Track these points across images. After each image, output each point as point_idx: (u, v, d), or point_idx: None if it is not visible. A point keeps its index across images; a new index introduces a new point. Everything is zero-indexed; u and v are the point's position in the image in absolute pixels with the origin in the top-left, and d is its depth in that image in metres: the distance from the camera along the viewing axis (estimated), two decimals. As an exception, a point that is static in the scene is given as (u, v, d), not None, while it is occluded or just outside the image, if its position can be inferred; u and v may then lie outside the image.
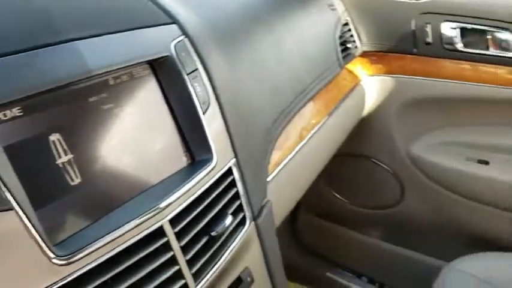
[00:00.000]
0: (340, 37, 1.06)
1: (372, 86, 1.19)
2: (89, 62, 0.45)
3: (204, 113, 0.57)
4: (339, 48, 1.04)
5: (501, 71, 1.07)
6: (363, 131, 1.25)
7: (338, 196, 1.41)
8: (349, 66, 1.13)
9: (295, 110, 0.80)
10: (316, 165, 0.93)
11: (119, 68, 0.49)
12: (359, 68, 1.18)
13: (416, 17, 1.11)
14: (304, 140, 0.84)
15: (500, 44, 1.06)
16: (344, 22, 1.11)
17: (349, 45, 1.09)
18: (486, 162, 1.15)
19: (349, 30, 1.13)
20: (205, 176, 0.54)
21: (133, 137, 0.50)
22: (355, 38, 1.15)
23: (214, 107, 0.60)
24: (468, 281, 0.95)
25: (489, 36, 1.06)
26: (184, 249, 0.50)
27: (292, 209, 1.49)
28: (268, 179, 0.71)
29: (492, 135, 1.16)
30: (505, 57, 1.05)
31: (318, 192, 1.41)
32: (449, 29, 1.10)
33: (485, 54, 1.07)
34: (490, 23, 1.05)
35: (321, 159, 0.95)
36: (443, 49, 1.11)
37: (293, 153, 0.79)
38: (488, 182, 1.13)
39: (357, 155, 1.31)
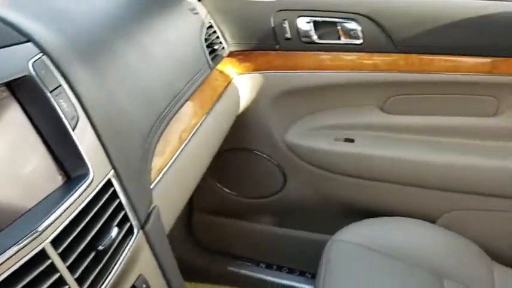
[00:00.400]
0: (206, 40, 1.10)
1: (244, 84, 1.25)
2: None
3: (73, 129, 0.56)
4: (207, 51, 1.07)
5: (354, 57, 1.20)
6: (243, 126, 1.30)
7: (227, 191, 1.46)
8: (219, 67, 1.18)
9: (171, 115, 0.82)
10: (200, 165, 0.96)
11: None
12: (229, 67, 1.23)
13: (274, 15, 1.19)
14: (185, 142, 0.86)
15: (349, 33, 1.18)
16: (208, 25, 1.15)
17: (216, 47, 1.13)
18: (352, 140, 1.27)
19: (214, 32, 1.17)
20: (83, 192, 0.54)
21: (1, 163, 0.48)
22: (221, 39, 1.19)
23: (84, 121, 0.59)
24: (353, 250, 1.06)
25: (339, 27, 1.18)
26: (71, 268, 0.49)
27: (186, 210, 1.50)
28: (153, 185, 0.72)
29: (355, 116, 1.29)
30: (354, 44, 1.18)
31: (207, 190, 1.44)
32: (304, 24, 1.19)
33: (338, 44, 1.19)
34: (338, 15, 1.17)
35: (203, 158, 0.98)
36: (302, 42, 1.20)
37: (175, 156, 0.81)
38: (355, 158, 1.26)
39: (240, 149, 1.37)
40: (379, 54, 1.18)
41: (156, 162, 0.75)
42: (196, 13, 1.12)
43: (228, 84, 1.17)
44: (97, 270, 0.53)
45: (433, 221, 1.23)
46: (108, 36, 0.74)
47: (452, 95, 1.20)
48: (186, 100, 0.90)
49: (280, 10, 1.19)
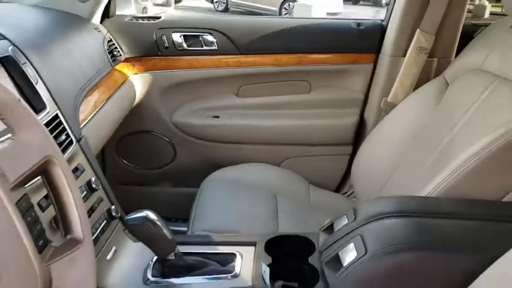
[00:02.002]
0: (108, 49, 1.59)
1: (138, 81, 1.75)
2: None
3: (36, 84, 1.03)
4: (108, 56, 1.57)
5: (213, 59, 1.76)
6: (140, 113, 1.79)
7: (132, 165, 1.92)
8: (119, 68, 1.67)
9: (88, 89, 1.29)
10: (109, 125, 1.44)
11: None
12: (126, 69, 1.72)
13: (155, 32, 1.72)
14: (97, 108, 1.34)
15: (208, 43, 1.75)
16: (108, 39, 1.64)
17: (115, 53, 1.63)
18: (217, 117, 1.83)
19: (113, 44, 1.67)
20: (43, 116, 1.00)
21: None
22: (119, 49, 1.69)
23: (40, 83, 1.06)
24: (218, 183, 1.58)
25: (201, 39, 1.75)
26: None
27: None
28: (81, 126, 1.19)
29: (220, 101, 1.84)
30: (212, 50, 1.75)
31: (117, 166, 1.90)
32: (177, 37, 1.74)
33: (201, 50, 1.75)
34: (199, 31, 1.74)
35: (111, 120, 1.46)
36: (177, 50, 1.75)
37: (92, 114, 1.29)
38: (220, 128, 1.81)
39: (140, 131, 1.85)
40: (229, 56, 1.76)
41: (81, 116, 1.22)
42: (99, 31, 1.61)
43: (125, 80, 1.67)
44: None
45: (277, 165, 1.81)
46: (50, 40, 1.22)
47: (279, 82, 1.81)
48: (97, 83, 1.38)
49: (160, 28, 1.73)
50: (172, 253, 0.98)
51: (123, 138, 1.85)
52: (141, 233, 0.95)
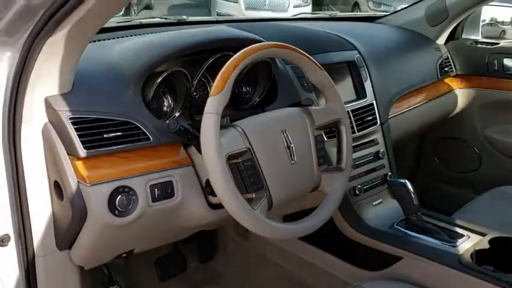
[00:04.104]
0: (441, 64, 1.97)
1: (461, 95, 2.06)
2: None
3: (365, 81, 1.56)
4: (438, 71, 1.95)
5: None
6: (459, 122, 2.10)
7: (439, 164, 2.24)
8: (447, 81, 2.03)
9: (406, 92, 1.74)
10: (415, 123, 1.84)
11: (335, 63, 1.51)
12: (454, 83, 2.06)
13: (489, 55, 1.97)
14: (411, 107, 1.77)
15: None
16: (445, 57, 2.02)
17: (446, 69, 1.99)
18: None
19: (449, 61, 2.03)
20: (362, 101, 1.52)
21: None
22: (452, 66, 2.04)
23: (368, 81, 1.59)
24: (503, 196, 1.74)
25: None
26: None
27: (411, 174, 2.33)
28: (389, 116, 1.66)
29: None
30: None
31: (429, 162, 2.27)
32: (509, 62, 1.94)
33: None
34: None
35: (419, 121, 1.86)
36: (505, 73, 1.95)
37: (403, 111, 1.73)
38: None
39: (455, 137, 2.16)
40: None
41: (394, 109, 1.69)
42: (439, 50, 2.01)
43: (449, 92, 2.01)
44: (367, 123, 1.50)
45: None
46: (390, 55, 1.74)
47: None
48: (417, 89, 1.81)
49: (494, 53, 1.97)
50: (414, 214, 1.34)
51: (440, 141, 2.20)
52: (395, 191, 1.37)
